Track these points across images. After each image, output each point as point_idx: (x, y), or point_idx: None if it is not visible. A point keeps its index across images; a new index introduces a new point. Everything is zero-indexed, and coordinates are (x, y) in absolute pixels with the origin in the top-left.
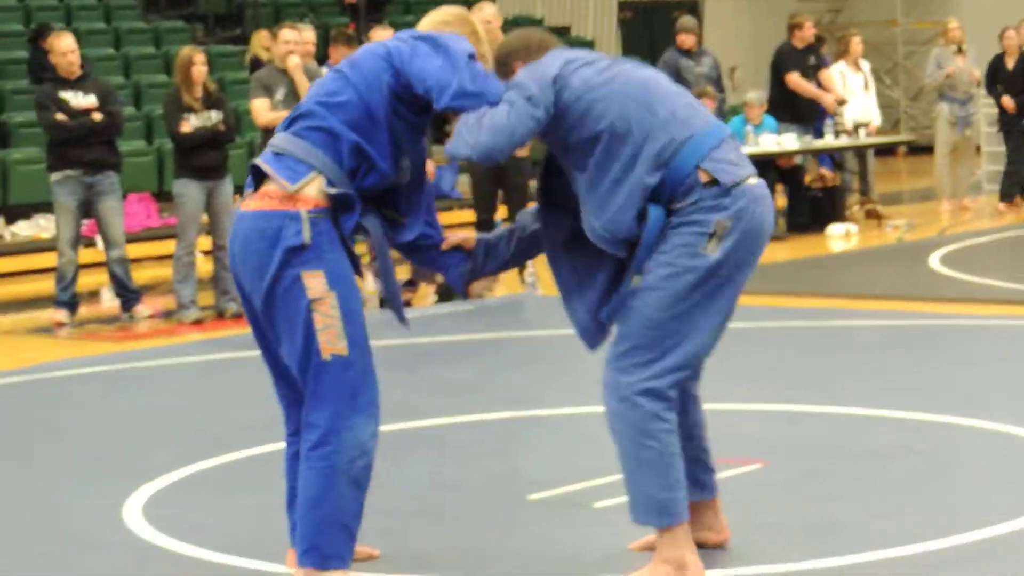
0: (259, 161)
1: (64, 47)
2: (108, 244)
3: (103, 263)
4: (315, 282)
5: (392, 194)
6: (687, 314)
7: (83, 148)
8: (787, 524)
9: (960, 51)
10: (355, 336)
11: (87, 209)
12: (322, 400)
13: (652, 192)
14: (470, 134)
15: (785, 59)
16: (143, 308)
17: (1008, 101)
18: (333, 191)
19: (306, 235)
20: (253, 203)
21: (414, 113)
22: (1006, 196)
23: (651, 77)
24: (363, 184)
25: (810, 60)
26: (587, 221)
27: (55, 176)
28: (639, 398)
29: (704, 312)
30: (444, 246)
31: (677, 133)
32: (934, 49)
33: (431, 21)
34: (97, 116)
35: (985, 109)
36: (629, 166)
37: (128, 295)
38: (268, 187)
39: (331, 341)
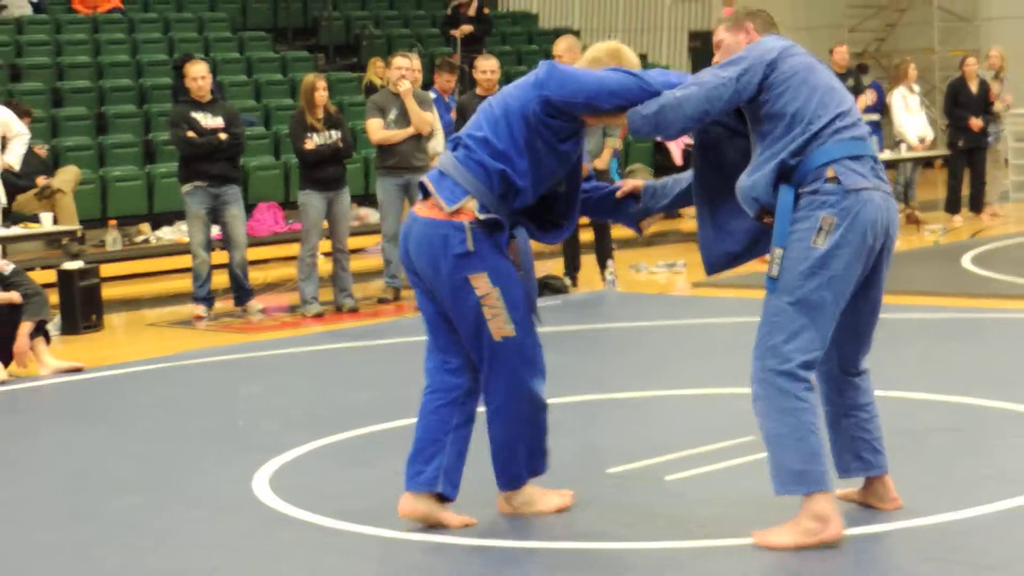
0: (425, 179)
1: (196, 72)
2: (231, 247)
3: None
4: (481, 282)
5: (552, 200)
6: (806, 300)
7: (209, 163)
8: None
9: (997, 76)
10: (519, 319)
11: (215, 216)
12: (500, 372)
13: (789, 171)
14: (657, 104)
15: None
16: (255, 303)
17: (976, 121)
18: (483, 216)
19: (469, 244)
20: (424, 210)
21: (559, 140)
22: (955, 207)
23: (836, 85)
24: (513, 205)
25: (847, 82)
26: (742, 176)
27: (186, 187)
28: (776, 378)
29: (821, 298)
30: (619, 194)
31: (835, 134)
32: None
33: (584, 60)
34: (223, 136)
35: (1013, 126)
36: (786, 145)
37: (243, 293)
38: (435, 199)
39: (500, 327)
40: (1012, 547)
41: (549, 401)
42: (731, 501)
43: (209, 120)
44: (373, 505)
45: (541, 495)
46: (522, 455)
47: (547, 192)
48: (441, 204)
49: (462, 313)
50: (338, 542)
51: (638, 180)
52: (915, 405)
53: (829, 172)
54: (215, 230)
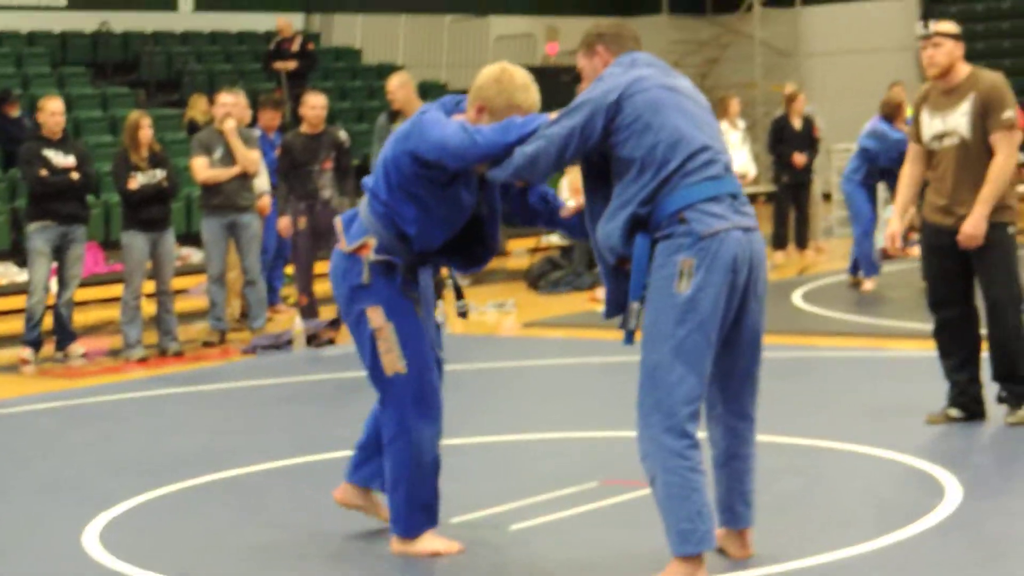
0: (336, 220)
1: (54, 108)
2: (63, 287)
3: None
4: (376, 315)
5: (478, 231)
6: (680, 348)
7: (60, 202)
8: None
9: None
10: (412, 356)
11: (56, 255)
12: (390, 408)
13: (642, 220)
14: (510, 162)
15: None
16: (77, 347)
17: (800, 157)
18: (377, 256)
19: (365, 277)
20: (340, 244)
21: (441, 186)
22: (781, 244)
23: (684, 123)
24: (414, 248)
25: None
26: (600, 222)
27: (34, 225)
28: (662, 436)
29: (695, 343)
30: (563, 213)
31: (685, 178)
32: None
33: (472, 94)
34: (75, 175)
35: (837, 162)
36: (637, 193)
37: (65, 336)
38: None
39: (393, 362)
40: None
41: None
42: (578, 550)
43: (61, 159)
44: (210, 559)
45: (429, 539)
46: (402, 499)
47: (468, 226)
48: (343, 241)
49: (360, 344)
50: None
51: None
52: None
53: (681, 217)
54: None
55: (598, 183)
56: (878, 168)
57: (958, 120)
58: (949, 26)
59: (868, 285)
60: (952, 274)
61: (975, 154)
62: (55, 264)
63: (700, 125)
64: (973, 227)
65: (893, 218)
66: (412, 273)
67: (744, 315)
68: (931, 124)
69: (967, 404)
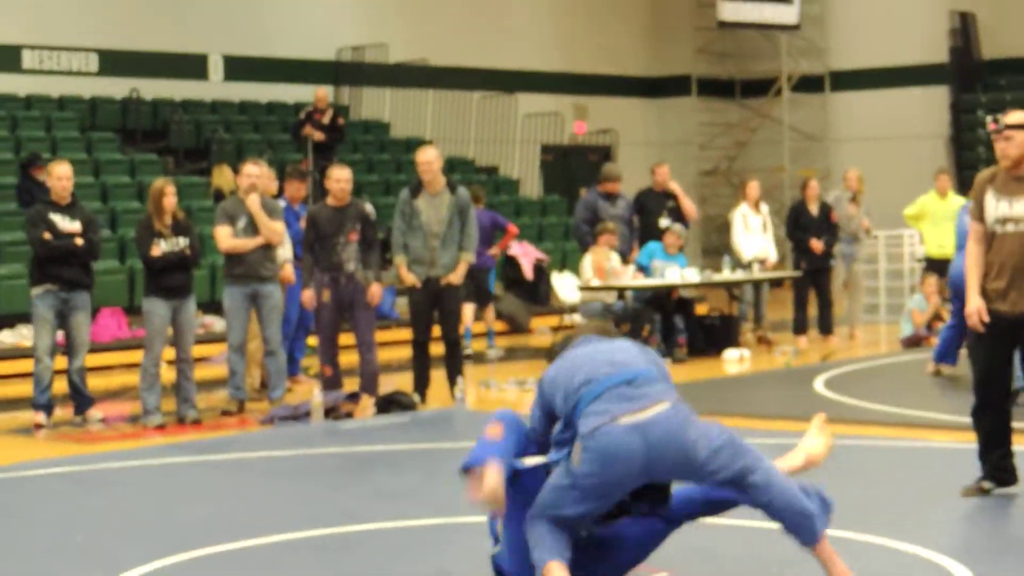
0: None
1: (61, 172)
2: (73, 353)
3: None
4: None
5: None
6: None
7: (62, 267)
8: None
9: (854, 199)
10: None
11: (61, 321)
12: None
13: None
14: None
15: (643, 201)
16: (95, 412)
17: (817, 243)
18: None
19: None
20: None
21: None
22: (802, 329)
23: (581, 365)
24: None
25: (668, 203)
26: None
27: (36, 290)
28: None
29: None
30: None
31: (576, 409)
32: (832, 193)
33: None
34: (79, 241)
35: (868, 249)
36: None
37: (82, 400)
38: None
39: None
40: None
41: (396, 523)
42: None
43: (67, 224)
44: None
45: None
46: None
47: None
48: None
49: None
50: None
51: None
52: (765, 535)
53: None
54: (59, 335)
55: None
56: None
57: None
58: (1019, 117)
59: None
60: (1003, 357)
61: None
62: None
63: (593, 362)
64: None
65: (972, 296)
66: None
67: None
68: (997, 207)
69: (1000, 477)
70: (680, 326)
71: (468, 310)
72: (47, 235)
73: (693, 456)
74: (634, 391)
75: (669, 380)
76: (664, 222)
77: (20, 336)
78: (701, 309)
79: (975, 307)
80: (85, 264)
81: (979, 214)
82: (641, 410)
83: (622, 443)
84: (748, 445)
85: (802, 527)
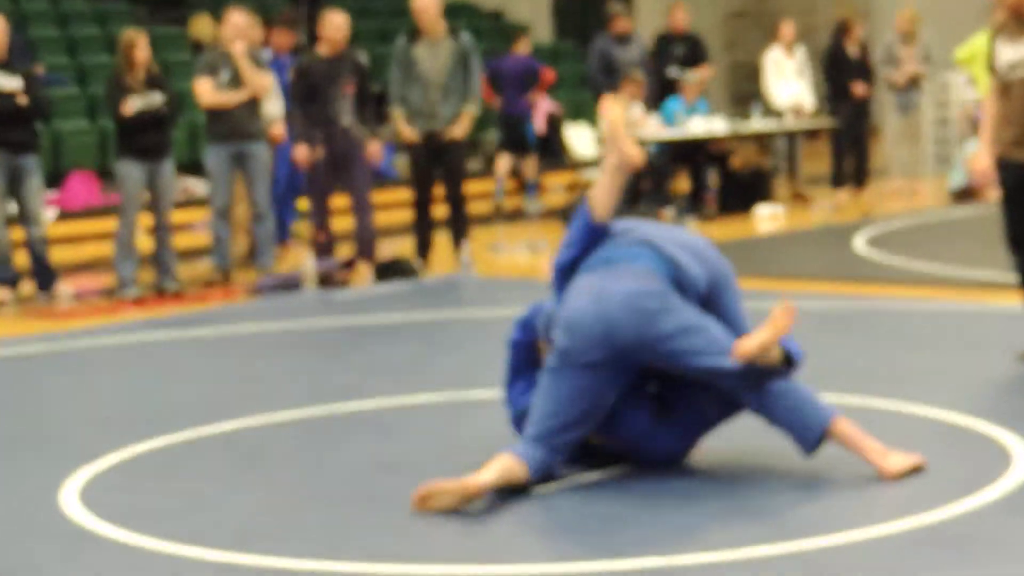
0: None
1: None
2: (30, 223)
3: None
4: None
5: None
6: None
7: (7, 129)
8: (711, 511)
9: (907, 40)
10: None
11: (12, 189)
12: None
13: None
14: None
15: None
16: (65, 287)
17: (860, 87)
18: None
19: None
20: None
21: None
22: (840, 181)
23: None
24: None
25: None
26: None
27: None
28: None
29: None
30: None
31: None
32: (886, 36)
33: None
34: (22, 99)
35: (928, 95)
36: None
37: (46, 274)
38: None
39: None
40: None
41: (399, 400)
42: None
43: (4, 81)
44: (201, 522)
45: None
46: None
47: None
48: None
49: None
50: (159, 567)
51: None
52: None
53: None
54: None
55: None
56: None
57: None
58: None
59: None
60: None
61: None
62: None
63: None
64: None
65: (981, 153)
66: None
67: None
68: (1006, 53)
69: None
70: (707, 183)
71: (503, 161)
72: None
73: (654, 326)
74: (610, 269)
75: (673, 265)
76: (673, 71)
77: None
78: (731, 163)
79: (981, 167)
80: (30, 125)
81: (993, 64)
82: (608, 286)
83: (577, 308)
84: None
85: (808, 424)
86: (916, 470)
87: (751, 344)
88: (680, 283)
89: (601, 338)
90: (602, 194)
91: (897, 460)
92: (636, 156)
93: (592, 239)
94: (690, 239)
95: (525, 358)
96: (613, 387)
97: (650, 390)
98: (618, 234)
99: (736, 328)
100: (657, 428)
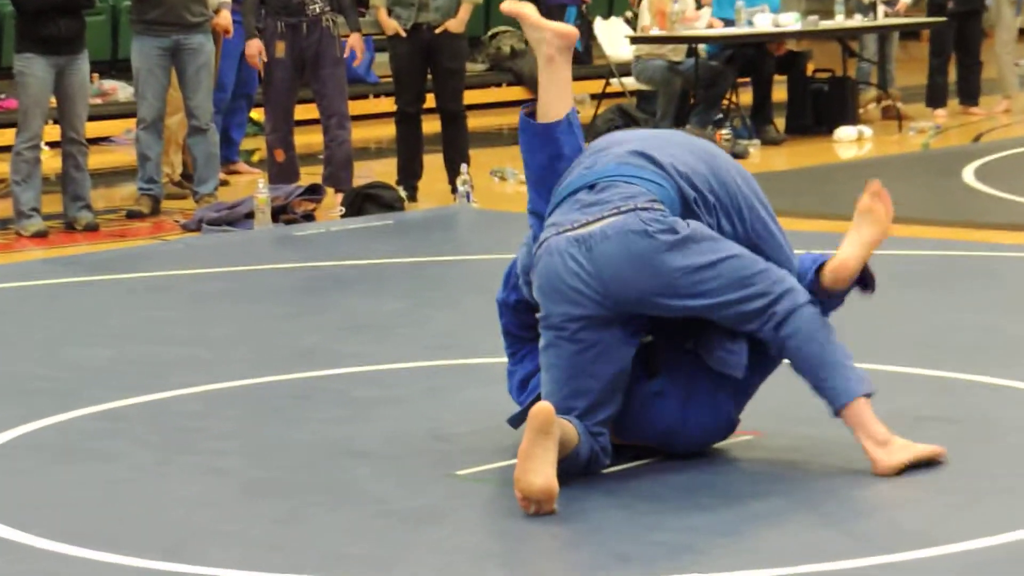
0: None
1: None
2: None
3: None
4: None
5: None
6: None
7: None
8: (783, 505)
9: None
10: None
11: None
12: None
13: None
14: None
15: None
16: None
17: None
18: None
19: None
20: None
21: None
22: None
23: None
24: None
25: None
26: None
27: None
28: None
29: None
30: None
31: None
32: None
33: None
34: None
35: None
36: None
37: None
38: None
39: None
40: None
41: (375, 367)
42: None
43: None
44: (109, 519)
45: None
46: None
47: None
48: None
49: None
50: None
51: None
52: (896, 382)
53: None
54: None
55: None
56: None
57: None
58: None
59: None
60: None
61: None
62: None
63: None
64: None
65: None
66: None
67: None
68: None
69: None
70: (772, 96)
71: None
72: None
73: (664, 269)
74: (592, 197)
75: (674, 181)
76: None
77: None
78: (807, 69)
79: None
80: None
81: None
82: (589, 223)
83: (560, 260)
84: (772, 269)
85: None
86: (928, 462)
87: (853, 259)
88: (690, 202)
89: (594, 292)
90: (544, 93)
91: (897, 452)
92: (566, 28)
93: (547, 148)
94: (697, 142)
95: (516, 322)
96: (624, 344)
97: (657, 387)
98: (601, 149)
99: (773, 255)
100: (687, 411)
